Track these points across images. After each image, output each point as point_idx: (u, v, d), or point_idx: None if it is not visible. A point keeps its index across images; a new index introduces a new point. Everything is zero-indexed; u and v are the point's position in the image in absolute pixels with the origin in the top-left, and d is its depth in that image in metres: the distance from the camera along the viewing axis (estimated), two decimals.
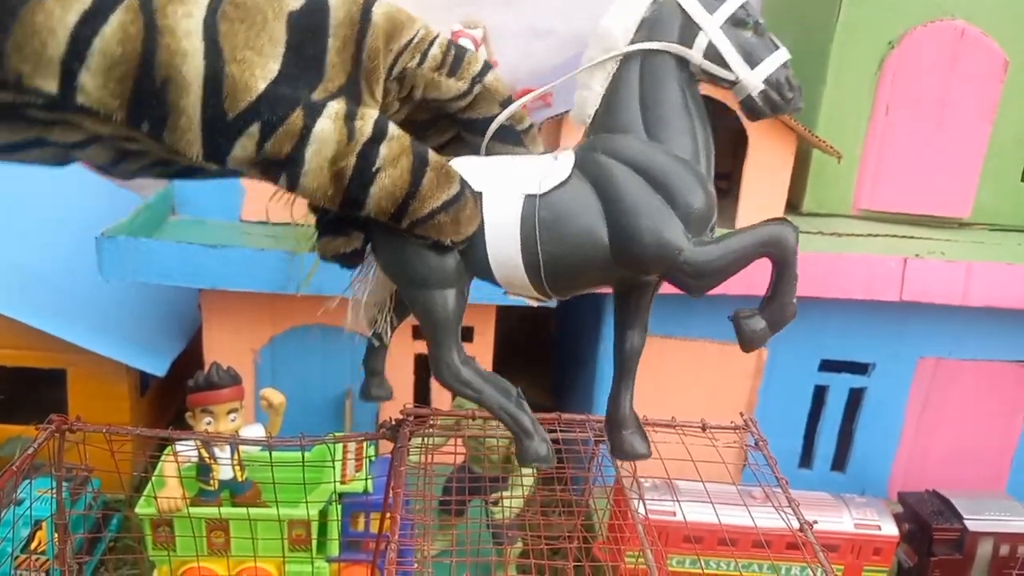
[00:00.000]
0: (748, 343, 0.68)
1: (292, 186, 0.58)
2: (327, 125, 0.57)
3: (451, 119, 0.70)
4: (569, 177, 0.65)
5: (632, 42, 0.66)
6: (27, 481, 1.16)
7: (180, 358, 1.90)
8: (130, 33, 0.49)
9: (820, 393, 1.90)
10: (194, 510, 1.42)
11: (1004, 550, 1.66)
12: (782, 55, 0.64)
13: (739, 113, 0.67)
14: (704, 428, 1.24)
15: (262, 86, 0.54)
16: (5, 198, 2.03)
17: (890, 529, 1.64)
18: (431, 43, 0.64)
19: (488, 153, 0.71)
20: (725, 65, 0.64)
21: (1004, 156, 1.95)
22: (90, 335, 1.77)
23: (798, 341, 1.84)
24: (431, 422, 1.14)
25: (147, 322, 1.95)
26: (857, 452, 1.95)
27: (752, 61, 0.64)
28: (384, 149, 0.60)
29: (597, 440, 1.18)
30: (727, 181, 1.88)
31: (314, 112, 0.56)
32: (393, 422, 1.12)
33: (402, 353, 1.86)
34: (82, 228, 1.82)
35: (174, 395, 2.09)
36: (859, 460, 1.95)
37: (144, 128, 0.52)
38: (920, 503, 1.74)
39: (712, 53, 0.64)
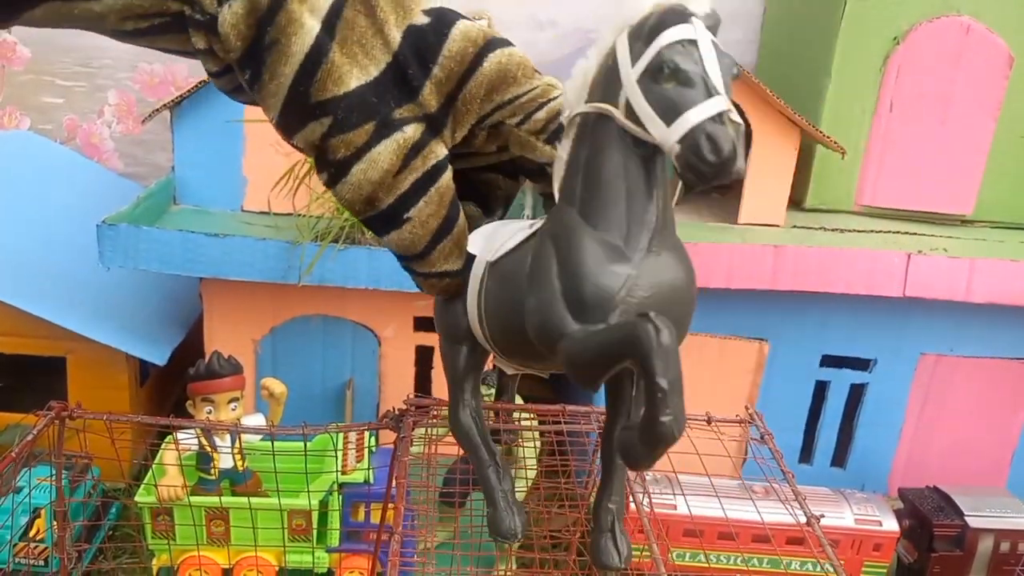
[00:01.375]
0: (625, 461, 0.57)
1: (331, 184, 0.61)
2: (387, 149, 0.59)
3: None
4: (520, 244, 0.62)
5: (588, 100, 0.58)
6: (25, 469, 1.15)
7: (180, 348, 1.89)
8: None
9: (821, 388, 1.90)
10: (194, 499, 1.42)
11: (1005, 546, 1.66)
12: (711, 106, 0.50)
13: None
14: (709, 421, 1.24)
15: (353, 85, 0.57)
16: (6, 185, 2.02)
17: (890, 525, 1.64)
18: (540, 106, 0.64)
19: None
20: (642, 125, 0.53)
21: (1007, 153, 1.95)
22: (90, 323, 1.76)
23: (800, 336, 1.84)
24: (433, 412, 1.13)
25: (148, 311, 1.94)
26: (857, 448, 1.94)
27: (668, 117, 0.51)
28: (423, 201, 0.62)
29: (600, 433, 1.18)
30: None
31: (385, 131, 0.59)
32: (396, 412, 1.12)
33: (404, 345, 1.85)
34: (83, 216, 1.81)
35: (174, 384, 2.08)
36: (859, 455, 1.95)
37: (246, 76, 0.56)
38: (921, 499, 1.73)
39: (631, 112, 0.54)
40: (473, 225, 0.71)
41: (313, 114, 0.57)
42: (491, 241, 0.66)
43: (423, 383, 1.89)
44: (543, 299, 0.57)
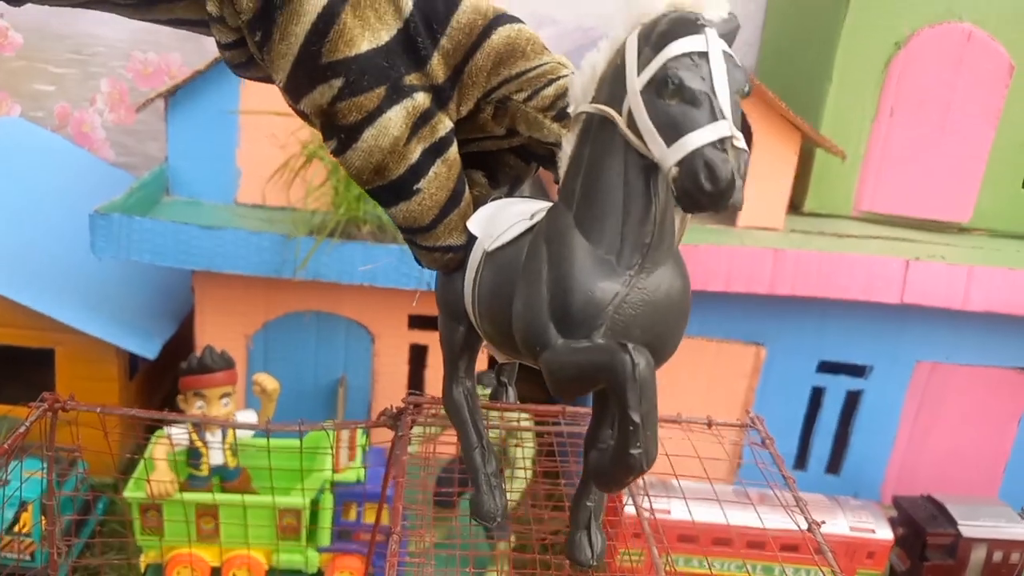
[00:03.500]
0: (593, 477, 0.58)
1: (339, 152, 0.59)
2: (397, 115, 0.57)
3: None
4: (518, 237, 0.60)
5: (593, 99, 0.55)
6: (16, 462, 1.12)
7: (170, 342, 1.87)
8: None
9: (817, 394, 1.89)
10: (186, 496, 1.39)
11: (997, 557, 1.65)
12: (713, 131, 0.47)
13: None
14: (710, 425, 1.22)
15: (365, 48, 0.56)
16: None
17: (884, 533, 1.64)
18: (549, 82, 0.62)
19: None
20: (641, 137, 0.50)
21: (1006, 162, 1.95)
22: (80, 314, 1.74)
23: (797, 341, 1.83)
24: (430, 411, 1.12)
25: (139, 303, 1.91)
26: (852, 454, 1.94)
27: (668, 137, 0.48)
28: (433, 172, 0.60)
29: None
30: None
31: (395, 96, 0.57)
32: (394, 410, 1.10)
33: (397, 343, 1.83)
34: (74, 205, 1.78)
35: (163, 378, 2.06)
36: (854, 462, 1.94)
37: (256, 37, 0.55)
38: (914, 507, 1.73)
39: (632, 123, 0.50)
40: (477, 197, 0.68)
41: (324, 75, 0.55)
42: (491, 225, 0.64)
43: (416, 381, 1.87)
44: (530, 306, 0.55)
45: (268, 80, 0.62)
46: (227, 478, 1.48)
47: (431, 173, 0.60)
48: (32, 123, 2.35)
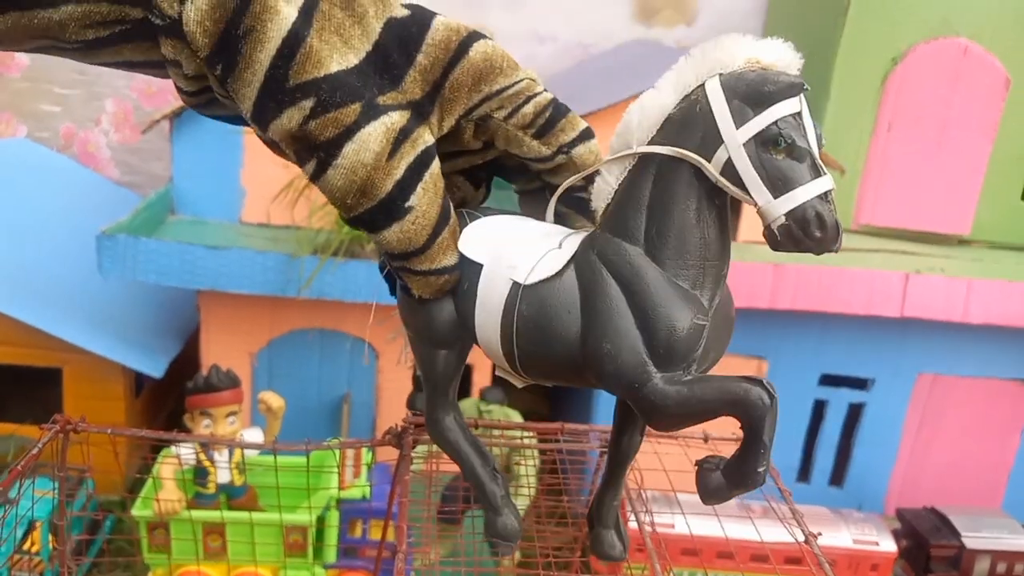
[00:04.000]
0: (703, 496, 0.60)
1: (318, 174, 0.56)
2: (376, 131, 0.56)
3: (536, 173, 0.67)
4: (562, 270, 0.60)
5: (652, 141, 0.57)
6: (29, 481, 1.14)
7: (176, 360, 1.88)
8: None
9: (819, 407, 1.90)
10: (193, 513, 1.41)
11: (1001, 568, 1.66)
12: (819, 185, 0.52)
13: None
14: (706, 439, 1.23)
15: (335, 68, 0.54)
16: (3, 195, 2.01)
17: (888, 545, 1.64)
18: (527, 99, 0.62)
19: (556, 217, 0.67)
20: (743, 188, 0.54)
21: (1004, 174, 1.96)
22: (87, 334, 1.75)
23: (798, 355, 1.84)
24: None
25: (144, 323, 1.93)
26: (855, 467, 1.95)
27: (777, 188, 0.53)
28: (421, 188, 0.58)
29: (602, 451, 1.18)
30: None
31: (371, 113, 0.55)
32: (398, 428, 1.11)
33: (400, 360, 1.85)
34: (80, 225, 1.80)
35: (168, 397, 2.07)
36: (857, 475, 1.95)
37: (217, 71, 0.53)
38: (918, 519, 1.74)
39: (730, 172, 0.54)
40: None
41: (292, 98, 0.54)
42: (500, 251, 0.63)
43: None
44: (622, 345, 0.56)
45: (236, 119, 0.60)
46: (234, 496, 1.49)
47: (419, 189, 0.58)
48: (37, 143, 2.37)
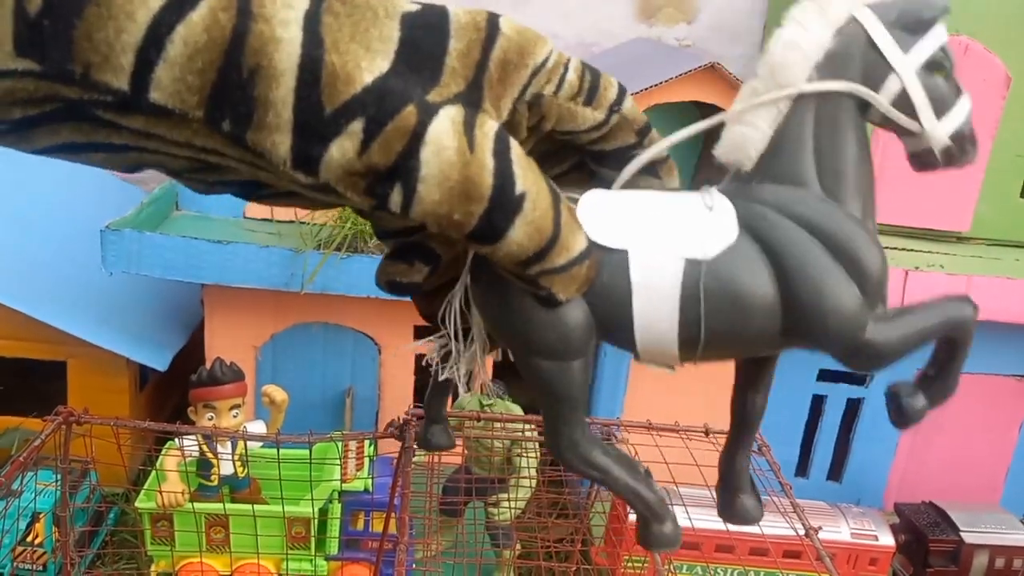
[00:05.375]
0: (907, 422, 0.59)
1: (409, 199, 0.47)
2: (444, 126, 0.47)
3: (575, 147, 0.60)
4: (740, 238, 0.55)
5: (814, 78, 0.55)
6: (31, 473, 1.15)
7: (180, 353, 1.89)
8: (219, 20, 0.43)
9: (818, 402, 1.91)
10: (196, 505, 1.42)
11: (1000, 563, 1.67)
12: (967, 103, 0.54)
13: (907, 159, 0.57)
14: (707, 433, 1.25)
15: (368, 79, 0.46)
16: (9, 189, 2.02)
17: (886, 539, 1.65)
18: (566, 66, 0.55)
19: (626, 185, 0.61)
20: (914, 115, 0.54)
21: (1004, 171, 1.97)
22: (91, 327, 1.76)
23: (797, 350, 1.84)
24: None
25: (149, 316, 1.94)
26: (854, 462, 1.95)
27: (940, 111, 0.54)
28: (518, 168, 0.49)
29: None
30: None
31: (430, 111, 0.47)
32: (400, 421, 1.12)
33: (404, 353, 1.86)
34: (86, 220, 1.81)
35: (173, 390, 2.09)
36: (856, 470, 1.96)
37: (225, 127, 0.44)
38: (916, 514, 1.75)
39: (902, 101, 0.54)
40: None
41: (336, 126, 0.45)
42: (639, 230, 0.57)
43: (423, 392, 1.89)
44: (843, 299, 0.54)
45: (247, 186, 0.51)
46: (237, 488, 1.50)
47: (517, 170, 0.49)
48: None
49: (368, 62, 0.46)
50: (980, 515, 1.73)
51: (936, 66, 0.53)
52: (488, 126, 0.49)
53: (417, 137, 0.46)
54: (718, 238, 0.55)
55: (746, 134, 0.57)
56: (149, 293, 1.97)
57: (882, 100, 0.54)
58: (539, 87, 0.53)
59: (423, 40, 0.49)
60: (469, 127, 0.48)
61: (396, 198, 0.46)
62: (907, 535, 1.73)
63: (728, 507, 0.66)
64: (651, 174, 0.61)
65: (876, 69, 0.54)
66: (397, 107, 0.46)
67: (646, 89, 1.72)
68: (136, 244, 1.65)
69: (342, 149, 0.45)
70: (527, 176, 0.50)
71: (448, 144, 0.46)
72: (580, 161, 0.62)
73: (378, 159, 0.46)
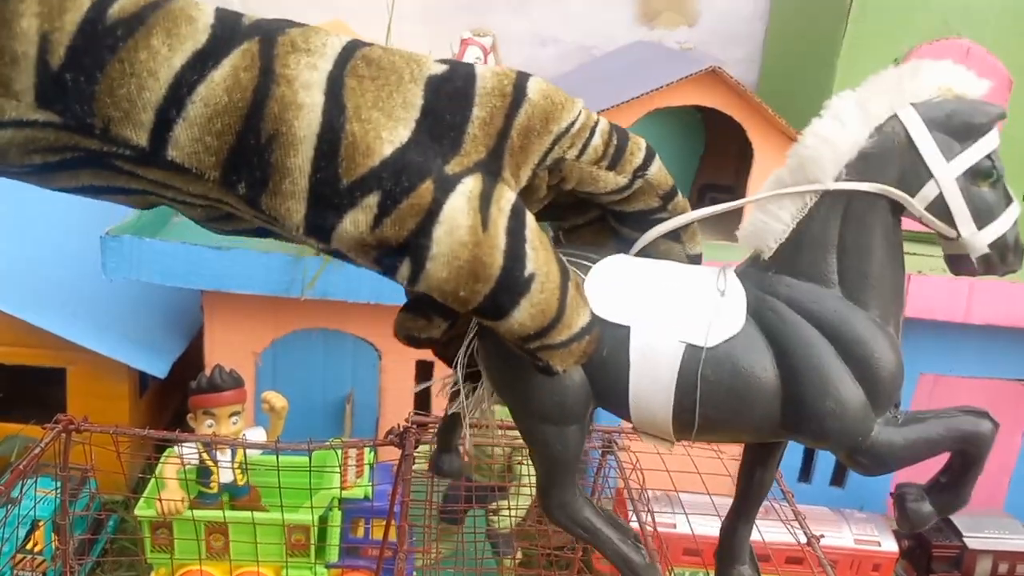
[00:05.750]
0: (911, 527, 0.57)
1: (415, 276, 0.46)
2: (460, 203, 0.46)
3: (596, 204, 0.60)
4: (744, 328, 0.54)
5: (844, 177, 0.53)
6: (30, 481, 1.15)
7: (180, 360, 1.89)
8: (241, 81, 0.42)
9: None
10: (196, 513, 1.41)
11: (1003, 568, 1.66)
12: (1014, 212, 0.52)
13: (945, 266, 0.56)
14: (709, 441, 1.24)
15: (388, 151, 0.45)
16: (8, 195, 2.02)
17: (890, 545, 1.64)
18: (592, 131, 0.54)
19: (646, 248, 0.60)
20: (951, 222, 0.52)
21: (1008, 175, 1.96)
22: (91, 334, 1.76)
23: None
24: (434, 429, 1.13)
25: (148, 322, 1.94)
26: None
27: (982, 220, 0.52)
28: (530, 249, 0.48)
29: (604, 451, 1.18)
30: (730, 194, 1.88)
31: (446, 187, 0.46)
32: (400, 429, 1.12)
33: (402, 360, 1.85)
34: (85, 227, 1.81)
35: (173, 396, 2.08)
36: (858, 476, 1.94)
37: (240, 191, 0.44)
38: None
39: (939, 207, 0.52)
40: None
41: (352, 198, 0.44)
42: (644, 306, 0.56)
43: (423, 399, 1.89)
44: (848, 403, 0.52)
45: (261, 232, 0.51)
46: (237, 495, 1.49)
47: (529, 251, 0.48)
48: None
49: (389, 132, 0.45)
50: (983, 520, 1.72)
51: (982, 174, 0.51)
52: (505, 200, 0.49)
53: (431, 216, 0.45)
54: (723, 327, 0.54)
55: (768, 223, 0.56)
56: (149, 299, 1.97)
57: (917, 205, 0.52)
58: (562, 152, 0.53)
59: (446, 109, 0.48)
60: (486, 202, 0.47)
61: (404, 272, 0.46)
62: (910, 541, 1.72)
63: None
64: (673, 239, 0.60)
65: (915, 172, 0.52)
66: (415, 183, 0.45)
67: (647, 93, 1.71)
68: (136, 250, 1.65)
69: (355, 222, 0.45)
70: (538, 256, 0.49)
71: (462, 223, 0.46)
72: (602, 215, 0.61)
73: (390, 234, 0.45)
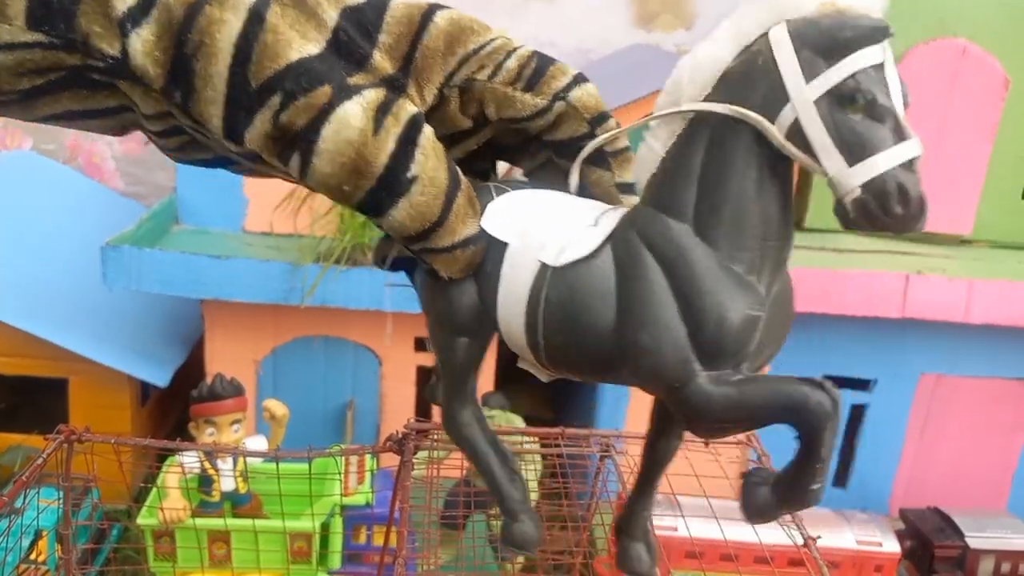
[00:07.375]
0: (748, 514, 0.52)
1: (305, 167, 0.51)
2: (354, 109, 0.51)
3: (541, 142, 0.61)
4: (596, 251, 0.52)
5: (706, 99, 0.49)
6: (33, 491, 1.15)
7: (181, 369, 1.90)
8: (184, 1, 0.49)
9: None
10: (198, 521, 1.42)
11: (1005, 568, 1.66)
12: (903, 151, 0.44)
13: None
14: (707, 443, 1.24)
15: (294, 57, 0.50)
16: (9, 207, 2.03)
17: (892, 546, 1.64)
18: (508, 54, 0.57)
19: (580, 179, 0.60)
20: (811, 153, 0.46)
21: (1005, 174, 1.96)
22: (92, 344, 1.77)
23: (799, 357, 1.84)
24: (434, 436, 1.14)
25: (149, 332, 1.94)
26: (858, 468, 1.95)
27: (853, 154, 0.44)
28: (419, 155, 0.52)
29: (603, 456, 1.18)
30: None
31: (344, 94, 0.51)
32: (399, 435, 1.12)
33: (404, 366, 1.86)
34: (86, 237, 1.82)
35: (174, 405, 2.09)
36: (860, 476, 1.95)
37: (177, 98, 0.50)
38: (922, 520, 1.74)
39: (798, 134, 0.46)
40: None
41: (260, 99, 0.50)
42: (528, 228, 0.56)
43: (423, 404, 1.90)
44: (663, 340, 0.49)
45: (219, 161, 0.57)
46: (238, 503, 1.50)
47: (418, 155, 0.52)
48: (43, 156, 2.39)
49: (300, 45, 0.51)
50: (985, 520, 1.72)
51: (846, 98, 0.45)
52: (404, 112, 0.53)
53: (323, 115, 0.50)
54: (574, 251, 0.53)
55: (643, 154, 0.54)
56: (149, 309, 1.98)
57: (775, 132, 0.47)
58: (470, 72, 0.56)
59: (354, 35, 0.53)
60: (383, 111, 0.52)
61: (295, 164, 0.52)
62: (912, 541, 1.72)
63: (621, 555, 0.65)
64: (604, 167, 0.60)
65: (774, 94, 0.47)
66: (314, 86, 0.50)
67: (644, 96, 1.72)
68: (136, 260, 1.66)
69: (262, 120, 0.50)
70: (427, 163, 0.53)
71: (353, 124, 0.51)
72: (550, 158, 0.62)
73: (285, 127, 0.50)
